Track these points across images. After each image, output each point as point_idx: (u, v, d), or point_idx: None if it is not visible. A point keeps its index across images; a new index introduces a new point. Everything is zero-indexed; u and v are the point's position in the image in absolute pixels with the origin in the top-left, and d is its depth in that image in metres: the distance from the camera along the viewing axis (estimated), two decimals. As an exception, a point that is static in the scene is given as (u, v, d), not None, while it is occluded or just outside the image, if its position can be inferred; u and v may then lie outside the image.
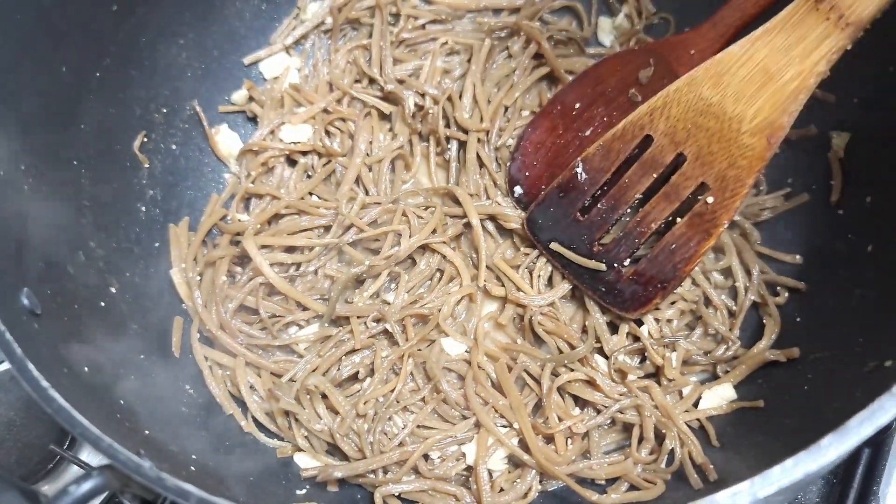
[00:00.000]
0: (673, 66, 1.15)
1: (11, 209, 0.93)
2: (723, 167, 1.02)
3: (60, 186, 1.06)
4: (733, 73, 0.99)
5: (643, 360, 1.14)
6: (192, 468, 0.94)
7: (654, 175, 1.07)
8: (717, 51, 1.09)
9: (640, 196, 1.09)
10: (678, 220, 1.08)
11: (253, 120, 1.36)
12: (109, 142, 1.17)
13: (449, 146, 1.28)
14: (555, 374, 1.10)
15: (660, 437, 1.07)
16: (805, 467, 0.65)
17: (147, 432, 0.93)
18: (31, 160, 0.98)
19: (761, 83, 0.97)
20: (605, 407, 1.09)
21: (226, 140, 1.33)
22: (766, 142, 0.98)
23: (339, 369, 1.13)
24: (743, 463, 1.01)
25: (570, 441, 1.08)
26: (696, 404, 1.11)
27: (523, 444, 1.06)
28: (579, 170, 1.12)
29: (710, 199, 1.03)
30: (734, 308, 1.17)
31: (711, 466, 1.01)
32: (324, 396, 1.11)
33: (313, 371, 1.12)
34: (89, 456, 1.23)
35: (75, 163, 1.09)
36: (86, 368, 0.91)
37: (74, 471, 1.23)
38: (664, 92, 1.04)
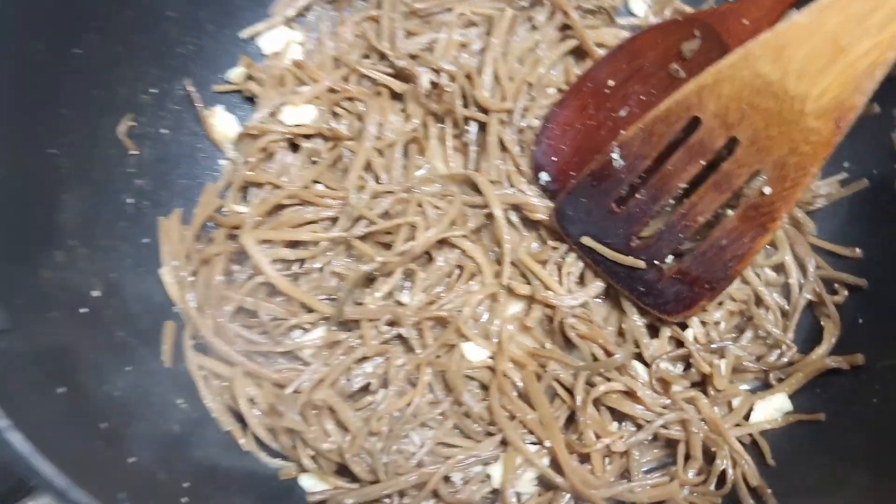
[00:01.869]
0: (723, 37, 1.05)
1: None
2: (782, 153, 0.92)
3: (36, 176, 0.96)
4: (797, 45, 0.88)
5: (687, 367, 1.06)
6: (185, 499, 0.84)
7: (702, 162, 0.98)
8: (774, 21, 1.02)
9: (685, 185, 0.99)
10: (727, 212, 0.99)
11: (251, 100, 1.26)
12: (92, 126, 1.07)
13: (467, 128, 1.18)
14: (590, 383, 1.01)
15: (708, 455, 0.99)
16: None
17: (132, 460, 0.84)
18: (2, 146, 0.90)
19: (830, 57, 0.87)
20: (647, 421, 1.00)
21: (221, 123, 1.23)
22: (833, 125, 0.90)
23: (348, 379, 1.03)
24: (804, 485, 0.95)
25: (607, 460, 0.99)
26: (746, 417, 1.04)
27: (555, 464, 0.97)
28: (616, 155, 1.02)
29: (766, 190, 0.94)
30: (787, 308, 1.10)
31: (769, 491, 0.92)
32: (332, 411, 1.00)
33: (320, 381, 1.02)
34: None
35: (53, 150, 0.99)
36: (61, 389, 0.81)
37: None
38: (714, 67, 0.94)
